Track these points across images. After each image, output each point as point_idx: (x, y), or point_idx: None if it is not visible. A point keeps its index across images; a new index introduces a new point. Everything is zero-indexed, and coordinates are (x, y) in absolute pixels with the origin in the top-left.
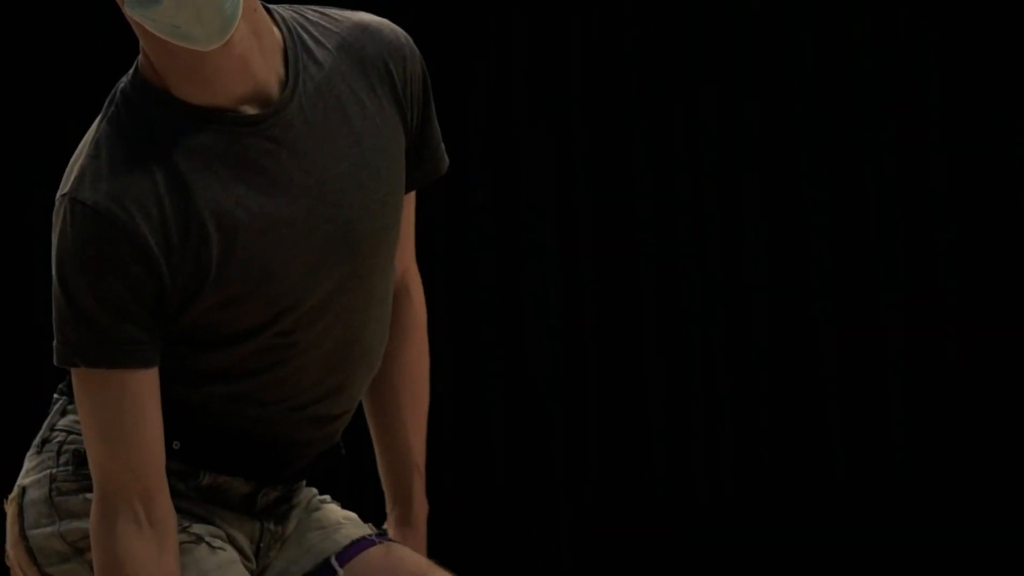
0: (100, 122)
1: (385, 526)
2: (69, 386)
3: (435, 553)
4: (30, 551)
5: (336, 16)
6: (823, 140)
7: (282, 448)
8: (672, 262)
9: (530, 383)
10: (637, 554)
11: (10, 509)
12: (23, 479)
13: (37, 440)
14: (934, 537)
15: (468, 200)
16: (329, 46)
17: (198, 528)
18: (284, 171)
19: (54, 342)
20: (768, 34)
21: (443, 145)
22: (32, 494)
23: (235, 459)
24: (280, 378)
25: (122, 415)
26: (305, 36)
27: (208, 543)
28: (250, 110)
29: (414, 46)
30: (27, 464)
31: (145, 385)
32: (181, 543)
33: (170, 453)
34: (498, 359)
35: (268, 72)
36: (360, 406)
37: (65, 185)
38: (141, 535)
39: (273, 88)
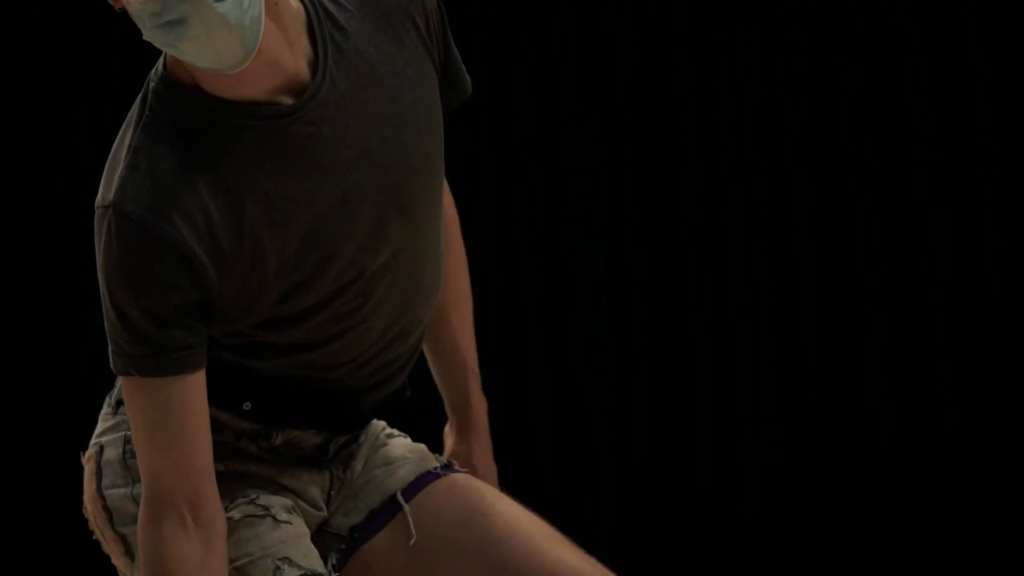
0: (136, 127)
1: (447, 430)
2: None
3: None
4: (106, 509)
5: None
6: (872, 132)
7: (351, 399)
8: (720, 258)
9: (576, 382)
10: (680, 553)
11: (88, 466)
12: (100, 437)
13: (112, 400)
14: (985, 531)
15: (516, 199)
16: (351, 7)
17: (266, 499)
18: (327, 151)
19: (110, 350)
20: (818, 28)
21: (463, 66)
22: (108, 454)
23: (306, 414)
24: (349, 341)
25: (170, 418)
26: (326, 2)
27: (273, 516)
28: (285, 99)
29: None
30: (103, 423)
31: (194, 388)
32: (246, 515)
33: (241, 414)
34: (543, 358)
35: (298, 58)
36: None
37: (107, 194)
38: (187, 537)
39: (304, 72)
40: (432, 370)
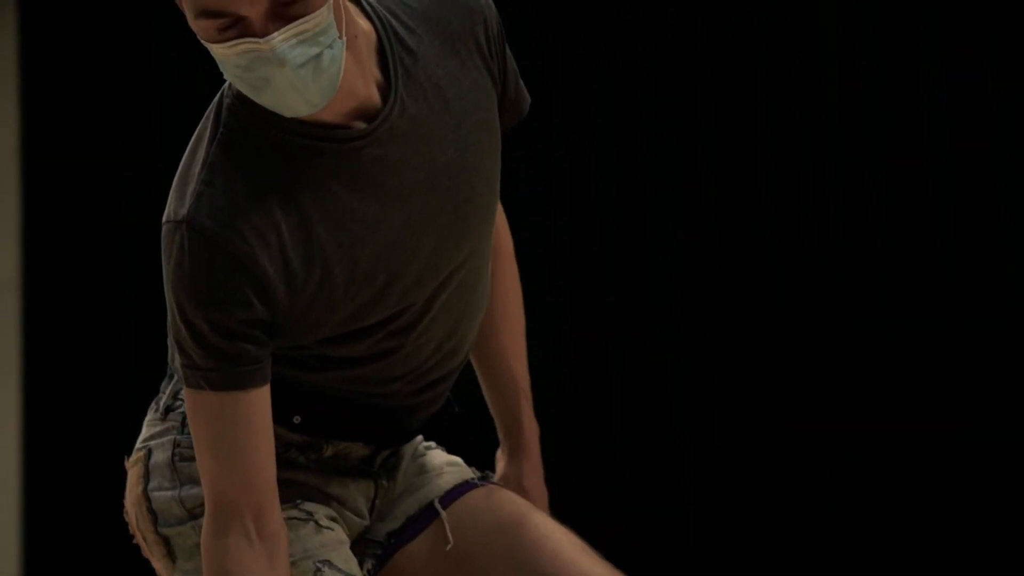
0: (211, 143)
1: (499, 454)
2: None
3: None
4: (152, 511)
5: None
6: (951, 136)
7: (399, 413)
8: (799, 262)
9: (654, 383)
10: (760, 550)
11: (134, 470)
12: (147, 441)
13: (160, 406)
14: None
15: (594, 200)
16: (418, 30)
17: (310, 506)
18: (394, 173)
19: (177, 362)
20: (896, 34)
21: (522, 82)
22: (157, 457)
23: (355, 429)
24: (401, 357)
25: (236, 433)
26: (395, 23)
27: (316, 521)
28: (357, 123)
29: (489, 0)
30: (149, 428)
31: (259, 402)
32: (290, 518)
33: (291, 427)
34: (623, 355)
35: (369, 84)
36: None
37: (179, 209)
38: (252, 549)
39: (375, 96)
40: (484, 393)
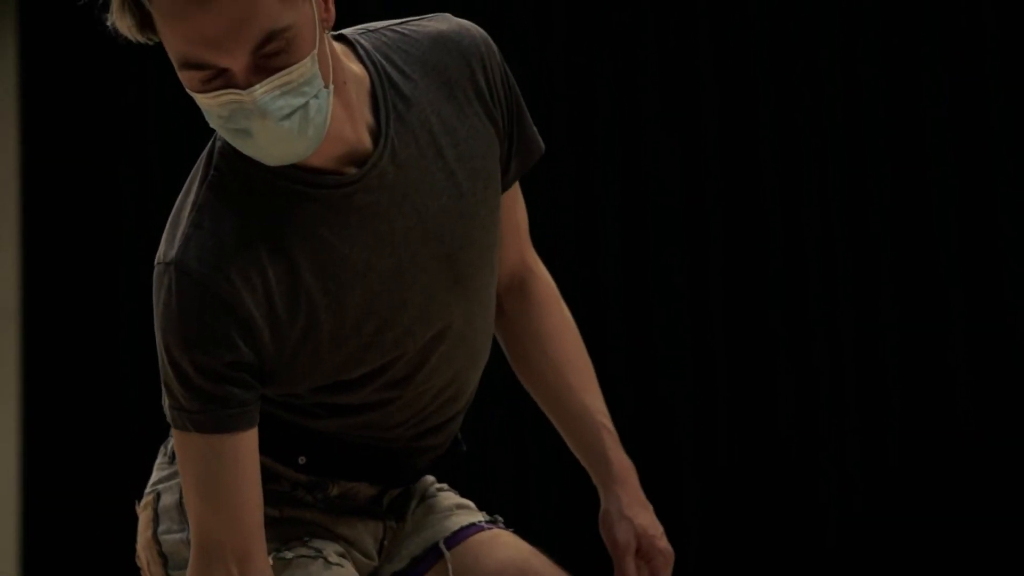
0: (201, 185)
1: (602, 501)
2: None
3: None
4: (162, 555)
5: (413, 35)
6: (953, 143)
7: (403, 456)
8: (801, 265)
9: (657, 394)
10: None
11: (144, 514)
12: (156, 484)
13: (168, 450)
14: None
15: (598, 207)
16: (414, 75)
17: (318, 543)
18: (385, 220)
19: (165, 403)
20: (897, 39)
21: (535, 128)
22: (165, 500)
23: (360, 470)
24: (401, 406)
25: (222, 474)
26: (390, 68)
27: (325, 558)
28: (347, 168)
29: (490, 41)
30: (158, 471)
31: (246, 445)
32: (299, 556)
33: (297, 467)
34: (625, 366)
35: (359, 130)
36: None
37: (169, 251)
38: None
39: (366, 141)
40: (565, 439)
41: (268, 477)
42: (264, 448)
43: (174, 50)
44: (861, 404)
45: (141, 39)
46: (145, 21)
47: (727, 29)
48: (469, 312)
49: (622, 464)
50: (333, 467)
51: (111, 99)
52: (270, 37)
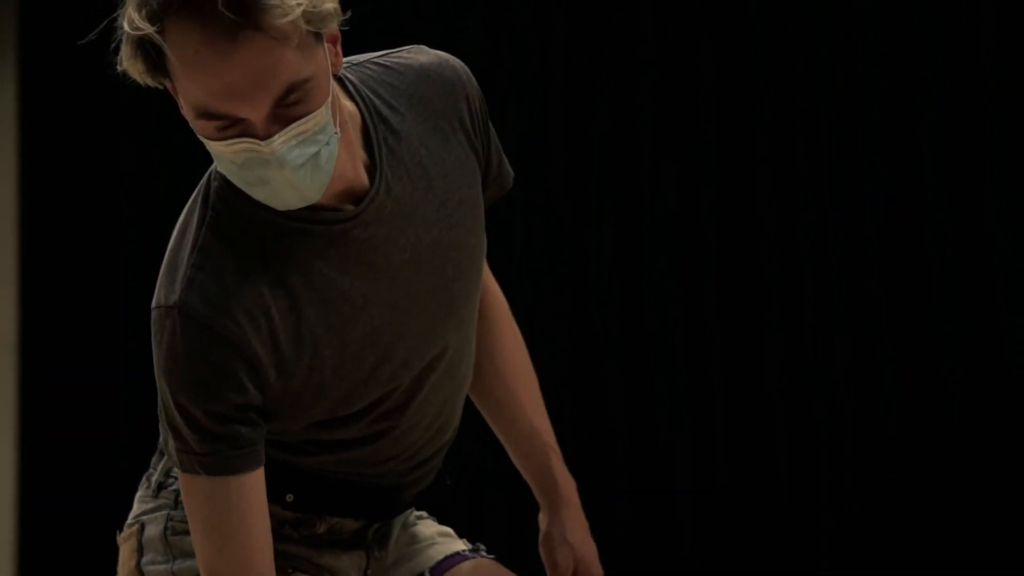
0: (200, 227)
1: (540, 516)
2: None
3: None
4: None
5: (396, 67)
6: (949, 162)
7: (392, 491)
8: (796, 296)
9: (654, 429)
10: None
11: (127, 545)
12: (140, 516)
13: (152, 483)
14: None
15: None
16: (401, 108)
17: None
18: (381, 254)
19: (172, 447)
20: (896, 63)
21: (505, 157)
22: (150, 531)
23: (348, 506)
24: (394, 438)
25: (231, 517)
26: (378, 103)
27: None
28: (343, 204)
29: (469, 73)
30: (140, 504)
31: (254, 485)
32: None
33: (284, 505)
34: (620, 383)
35: (357, 166)
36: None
37: (170, 295)
38: None
39: (362, 177)
40: (512, 458)
41: None
42: None
43: (192, 99)
44: (857, 433)
45: (152, 84)
46: (159, 67)
47: (727, 36)
48: (459, 340)
49: (567, 485)
50: (321, 504)
51: (112, 135)
52: (292, 89)
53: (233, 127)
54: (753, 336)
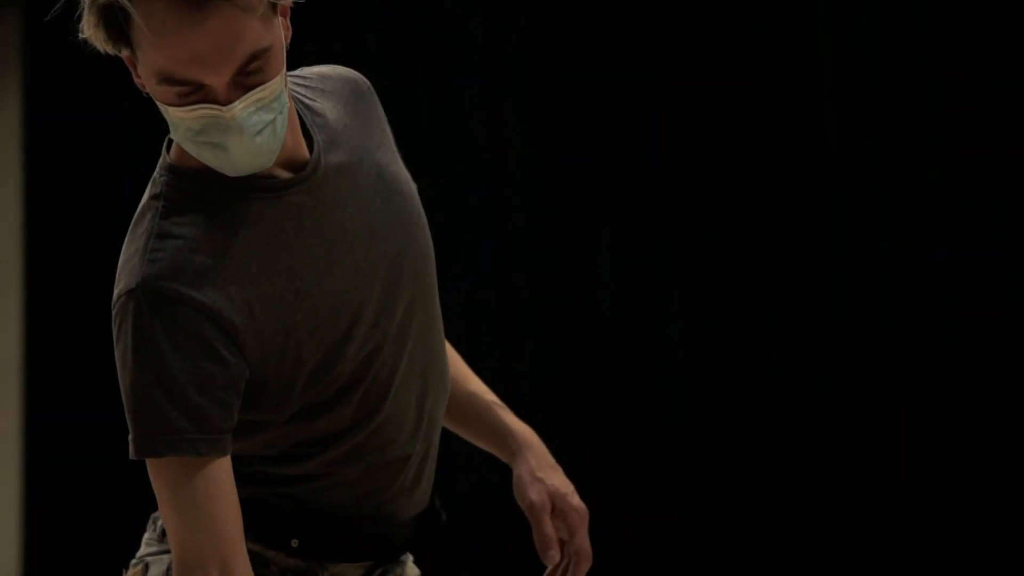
0: (153, 218)
1: (514, 469)
2: None
3: None
4: None
5: (305, 74)
6: (951, 181)
7: (389, 520)
8: (798, 311)
9: (653, 450)
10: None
11: None
12: (145, 557)
13: (157, 527)
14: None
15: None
16: (319, 99)
17: None
18: (335, 221)
19: (131, 436)
20: (897, 76)
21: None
22: (154, 571)
23: (350, 544)
24: (382, 422)
25: (199, 494)
26: (298, 91)
27: None
28: (287, 173)
29: (365, 79)
30: (147, 546)
31: (223, 470)
32: None
33: (289, 551)
34: (620, 403)
35: (296, 136)
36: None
37: (130, 282)
38: None
39: (302, 147)
40: (463, 432)
41: (257, 563)
42: (255, 533)
43: (155, 66)
44: (860, 451)
45: (111, 52)
46: (122, 35)
47: (727, 41)
48: (425, 310)
49: (524, 431)
50: (324, 547)
51: (115, 155)
52: (254, 57)
53: (194, 93)
54: (754, 342)
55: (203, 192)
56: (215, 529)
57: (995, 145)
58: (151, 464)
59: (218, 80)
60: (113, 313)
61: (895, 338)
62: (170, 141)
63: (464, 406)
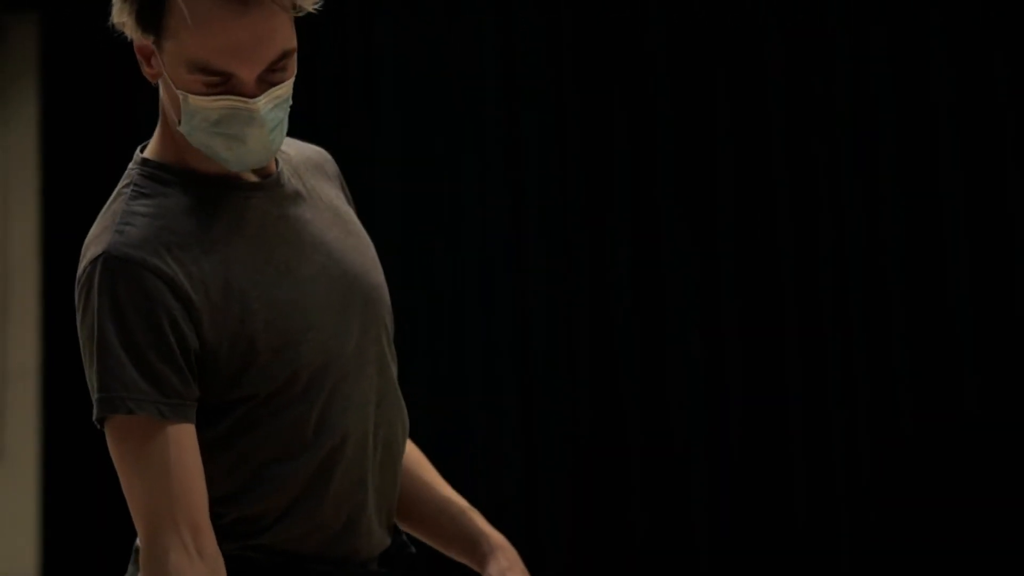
0: (124, 201)
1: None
2: None
3: None
4: None
5: None
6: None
7: (358, 540)
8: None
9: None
10: None
11: None
12: None
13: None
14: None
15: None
16: (286, 146)
17: None
18: (295, 232)
19: (96, 396)
20: (911, 111)
21: None
22: None
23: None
24: (340, 442)
25: (169, 458)
26: None
27: None
28: (255, 178)
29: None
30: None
31: (188, 437)
32: None
33: None
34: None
35: None
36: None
37: (96, 250)
38: (193, 567)
39: (272, 163)
40: (435, 538)
41: None
42: None
43: (189, 54)
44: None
45: (139, 39)
46: (152, 22)
47: (741, 54)
48: (380, 342)
49: (496, 534)
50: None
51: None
52: (284, 55)
53: (221, 85)
54: (772, 346)
55: (173, 180)
56: (183, 495)
57: (1012, 134)
58: (116, 429)
59: (250, 73)
60: (78, 284)
61: (910, 342)
62: (143, 147)
63: (439, 512)
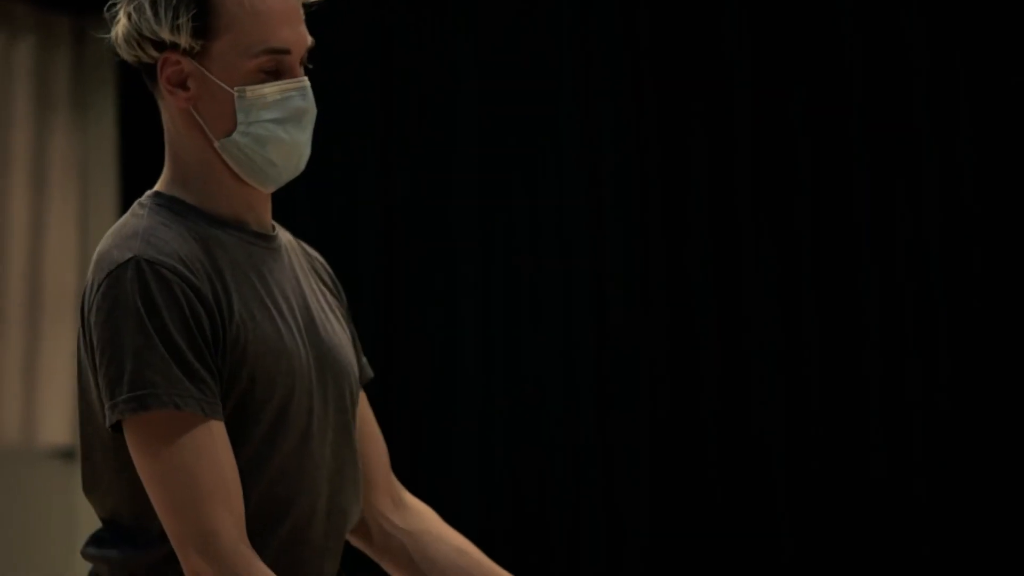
0: (142, 219)
1: None
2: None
3: None
4: None
5: None
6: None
7: (311, 541)
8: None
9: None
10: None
11: None
12: None
13: None
14: None
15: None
16: (285, 232)
17: None
18: (281, 287)
19: (128, 393)
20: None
21: (364, 358)
22: None
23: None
24: (306, 461)
25: (216, 448)
26: None
27: None
28: (258, 229)
29: None
30: None
31: (224, 432)
32: None
33: None
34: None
35: (268, 203)
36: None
37: (123, 254)
38: (249, 549)
39: (267, 220)
40: None
41: None
42: None
43: (252, 41)
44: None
45: (192, 45)
46: (205, 27)
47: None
48: (345, 415)
49: None
50: None
51: None
52: (311, 48)
53: (274, 73)
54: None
55: (186, 212)
56: (234, 484)
57: None
58: (153, 425)
59: (302, 46)
60: (96, 289)
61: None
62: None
63: (457, 560)
